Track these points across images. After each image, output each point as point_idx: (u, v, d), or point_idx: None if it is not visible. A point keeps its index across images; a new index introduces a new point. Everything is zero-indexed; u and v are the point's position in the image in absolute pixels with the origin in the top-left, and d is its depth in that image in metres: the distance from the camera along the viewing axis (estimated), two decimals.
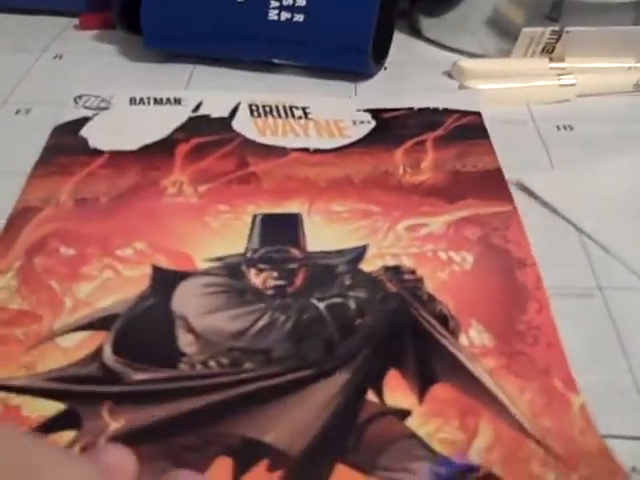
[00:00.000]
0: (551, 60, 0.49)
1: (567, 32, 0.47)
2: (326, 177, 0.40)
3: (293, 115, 0.46)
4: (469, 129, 0.44)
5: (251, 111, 0.46)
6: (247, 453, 0.26)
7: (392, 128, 0.45)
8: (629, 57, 0.49)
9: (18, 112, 0.46)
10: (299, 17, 0.49)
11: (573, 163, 0.42)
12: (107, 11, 0.55)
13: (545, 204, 0.38)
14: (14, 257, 0.35)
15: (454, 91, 0.48)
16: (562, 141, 0.44)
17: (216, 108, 0.46)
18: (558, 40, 0.48)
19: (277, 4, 0.49)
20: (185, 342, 0.30)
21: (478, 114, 0.45)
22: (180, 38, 0.52)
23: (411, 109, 0.46)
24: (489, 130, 0.44)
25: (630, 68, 0.49)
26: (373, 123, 0.45)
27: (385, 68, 0.52)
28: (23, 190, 0.39)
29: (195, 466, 0.25)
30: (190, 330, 0.31)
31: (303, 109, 0.47)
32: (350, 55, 0.49)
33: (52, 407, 0.28)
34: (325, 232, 0.37)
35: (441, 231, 0.36)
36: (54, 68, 0.53)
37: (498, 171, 0.40)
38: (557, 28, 0.47)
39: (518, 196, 0.39)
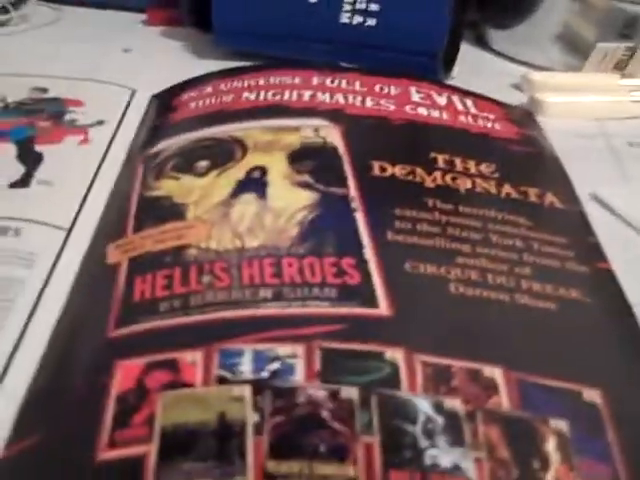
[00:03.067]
0: (622, 76, 0.49)
1: None
2: None
3: None
4: None
5: None
6: None
7: None
8: None
9: None
10: (371, 21, 0.50)
11: None
12: (175, 8, 0.56)
13: (620, 217, 0.39)
14: None
15: None
16: (634, 157, 0.44)
17: None
18: (631, 57, 0.48)
19: (350, 7, 0.50)
20: None
21: None
22: (250, 37, 0.52)
23: None
24: (559, 143, 0.44)
25: None
26: None
27: (452, 78, 0.52)
28: None
29: None
30: None
31: None
32: (420, 61, 0.49)
33: None
34: None
35: None
36: (123, 61, 0.53)
37: None
38: (632, 44, 0.48)
39: (593, 208, 0.39)
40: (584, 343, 0.29)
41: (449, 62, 0.51)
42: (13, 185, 0.37)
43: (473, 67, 0.54)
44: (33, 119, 0.44)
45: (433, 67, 0.50)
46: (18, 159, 0.40)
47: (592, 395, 0.26)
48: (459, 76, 0.52)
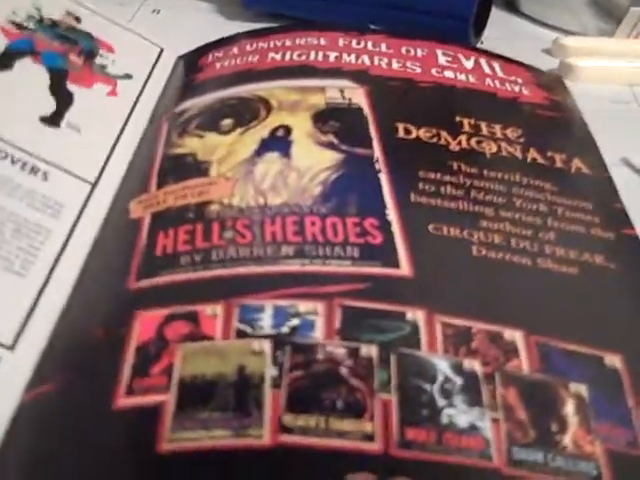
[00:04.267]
0: None
1: None
2: None
3: None
4: None
5: None
6: None
7: None
8: None
9: None
10: None
11: None
12: None
13: None
14: None
15: None
16: None
17: None
18: None
19: None
20: None
21: None
22: None
23: None
24: (591, 108, 0.43)
25: None
26: None
27: (482, 42, 0.51)
28: None
29: None
30: None
31: None
32: (451, 24, 0.49)
33: None
34: None
35: None
36: (152, 22, 0.53)
37: None
38: None
39: (624, 172, 0.38)
40: (606, 308, 0.29)
41: (479, 26, 0.51)
42: (43, 119, 0.37)
43: (503, 32, 0.53)
44: (67, 48, 0.42)
45: (463, 31, 0.49)
46: (50, 90, 0.39)
47: (614, 360, 0.26)
48: (489, 41, 0.51)
